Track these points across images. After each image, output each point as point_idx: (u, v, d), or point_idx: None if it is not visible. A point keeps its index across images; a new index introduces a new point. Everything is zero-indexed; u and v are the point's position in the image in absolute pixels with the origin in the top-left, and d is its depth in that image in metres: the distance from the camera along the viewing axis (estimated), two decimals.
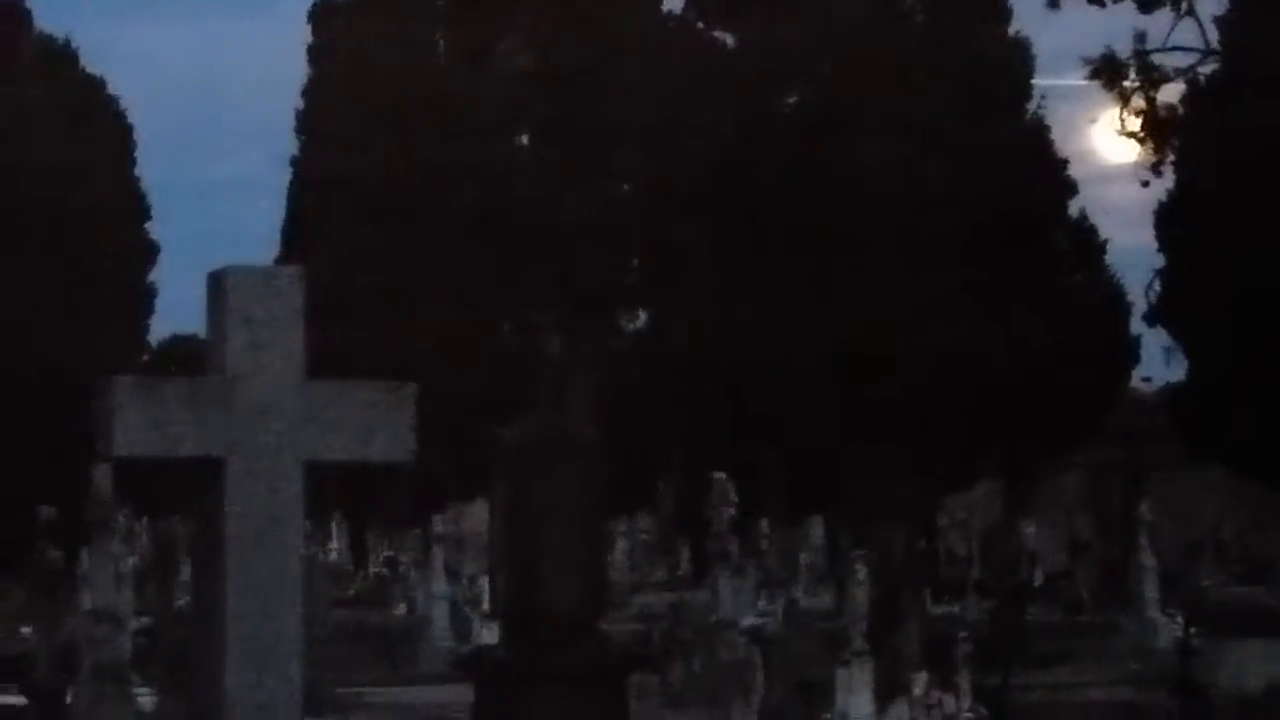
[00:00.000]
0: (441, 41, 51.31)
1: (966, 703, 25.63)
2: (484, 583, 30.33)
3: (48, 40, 53.29)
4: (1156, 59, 23.79)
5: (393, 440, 6.71)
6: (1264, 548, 38.28)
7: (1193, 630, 30.77)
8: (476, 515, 32.30)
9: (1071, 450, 47.86)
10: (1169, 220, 26.62)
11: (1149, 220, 27.33)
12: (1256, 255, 22.35)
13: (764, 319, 44.30)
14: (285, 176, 52.69)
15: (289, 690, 6.61)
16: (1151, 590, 34.30)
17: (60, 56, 53.28)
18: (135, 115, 54.22)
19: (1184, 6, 23.42)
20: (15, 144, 48.91)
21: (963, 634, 27.90)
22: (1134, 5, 23.55)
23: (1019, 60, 47.92)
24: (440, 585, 33.05)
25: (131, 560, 23.54)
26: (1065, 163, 47.56)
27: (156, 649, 22.89)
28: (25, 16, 53.28)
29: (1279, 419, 22.81)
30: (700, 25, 49.27)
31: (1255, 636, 27.33)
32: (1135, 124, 24.18)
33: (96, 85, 53.85)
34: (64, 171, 49.43)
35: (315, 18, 52.32)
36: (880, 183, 44.78)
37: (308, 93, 52.37)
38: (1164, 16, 23.32)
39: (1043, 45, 47.88)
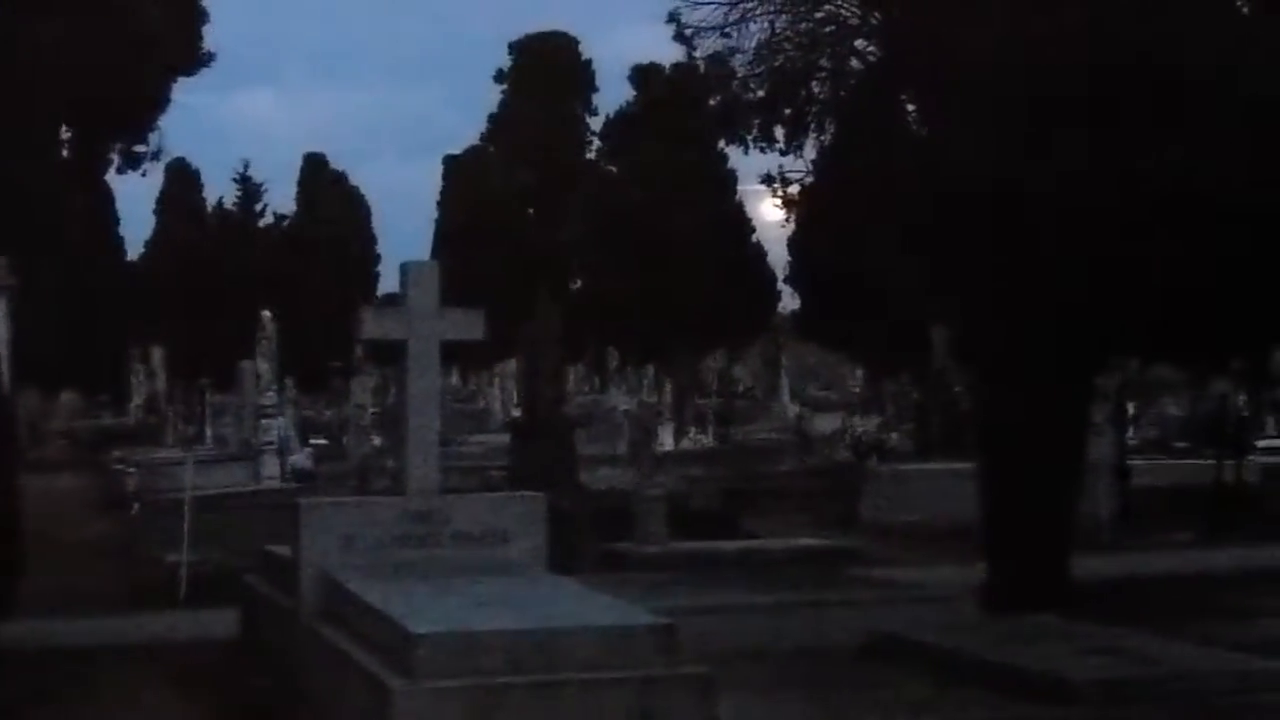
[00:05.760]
0: None
1: None
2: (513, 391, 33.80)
3: None
4: None
5: (474, 329, 8.72)
6: None
7: None
8: (512, 363, 36.04)
9: None
10: None
11: None
12: None
13: None
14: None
15: (432, 435, 8.61)
16: None
17: None
18: None
19: None
20: None
21: None
22: None
23: None
24: (496, 390, 38.64)
25: (372, 381, 29.82)
26: None
27: (383, 418, 26.89)
28: None
29: None
30: None
31: None
32: None
33: None
34: None
35: None
36: None
37: None
38: None
39: None
